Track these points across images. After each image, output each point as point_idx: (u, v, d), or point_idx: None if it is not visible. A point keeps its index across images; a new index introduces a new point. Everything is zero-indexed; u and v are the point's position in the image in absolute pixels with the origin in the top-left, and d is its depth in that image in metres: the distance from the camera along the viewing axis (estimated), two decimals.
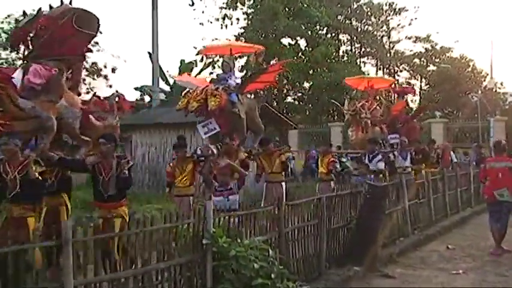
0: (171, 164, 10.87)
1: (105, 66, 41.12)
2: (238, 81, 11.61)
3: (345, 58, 41.69)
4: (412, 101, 48.21)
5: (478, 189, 17.11)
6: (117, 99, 10.46)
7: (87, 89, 41.40)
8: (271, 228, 7.34)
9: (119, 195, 7.12)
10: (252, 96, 13.30)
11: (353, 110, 15.61)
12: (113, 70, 41.52)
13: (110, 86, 43.41)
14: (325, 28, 39.67)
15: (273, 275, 6.07)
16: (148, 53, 28.10)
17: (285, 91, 40.97)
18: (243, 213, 6.79)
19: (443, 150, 19.52)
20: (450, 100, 40.10)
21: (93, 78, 41.23)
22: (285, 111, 36.05)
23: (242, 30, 39.48)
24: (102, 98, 10.47)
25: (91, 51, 8.63)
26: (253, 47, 13.07)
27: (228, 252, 5.94)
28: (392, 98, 19.20)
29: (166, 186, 10.97)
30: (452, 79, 40.39)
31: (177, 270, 5.78)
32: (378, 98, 16.94)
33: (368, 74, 34.87)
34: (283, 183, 11.51)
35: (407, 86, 25.99)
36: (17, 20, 37.50)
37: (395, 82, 19.98)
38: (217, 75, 11.64)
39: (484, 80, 43.15)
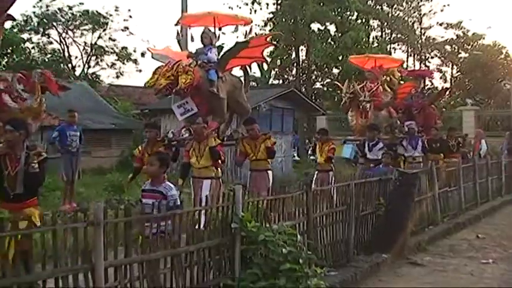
0: (139, 148, 9.65)
1: (134, 51, 41.58)
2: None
3: (375, 44, 41.19)
4: (442, 87, 47.73)
5: (509, 178, 17.02)
6: (40, 76, 9.51)
7: (117, 73, 42.03)
8: (300, 213, 7.32)
9: (27, 193, 5.86)
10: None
11: (351, 93, 13.82)
12: (143, 54, 41.88)
13: (140, 71, 43.87)
14: (356, 13, 39.20)
15: (301, 260, 6.06)
16: (177, 37, 28.16)
17: (313, 77, 40.72)
18: (271, 198, 6.76)
19: (475, 138, 19.33)
20: (482, 88, 39.44)
21: (123, 63, 41.67)
22: (313, 97, 35.89)
23: (271, 15, 39.27)
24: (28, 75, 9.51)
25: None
26: (241, 18, 11.20)
27: (257, 236, 5.95)
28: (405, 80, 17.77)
29: (132, 172, 9.70)
30: (484, 66, 39.71)
31: (206, 253, 5.80)
32: (388, 78, 15.31)
33: None
34: (269, 172, 10.18)
35: (426, 69, 23.25)
36: (47, 5, 38.17)
37: (404, 62, 17.99)
38: (196, 49, 10.23)
39: None
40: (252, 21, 11.14)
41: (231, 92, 10.11)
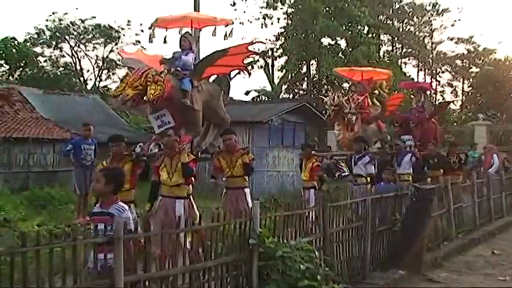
0: (104, 163, 8.17)
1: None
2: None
3: (386, 59, 41.20)
4: (454, 102, 47.61)
5: None
6: None
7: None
8: (316, 229, 7.28)
9: None
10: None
11: (336, 105, 12.85)
12: None
13: None
14: (366, 28, 39.28)
15: (318, 277, 6.02)
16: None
17: (323, 91, 40.75)
18: (288, 214, 6.72)
19: (486, 153, 19.18)
20: (493, 102, 39.24)
21: None
22: (324, 112, 35.81)
23: (282, 30, 39.43)
24: None
25: None
26: (221, 19, 10.27)
27: (275, 252, 5.91)
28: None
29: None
30: (496, 81, 39.55)
31: (224, 269, 5.77)
32: (376, 92, 14.53)
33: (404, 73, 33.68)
34: (246, 190, 9.18)
35: (423, 81, 21.17)
36: (60, 19, 38.42)
37: (392, 75, 16.60)
38: (173, 52, 9.50)
39: None
40: (233, 22, 10.37)
41: (208, 101, 9.39)
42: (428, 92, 19.43)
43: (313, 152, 12.71)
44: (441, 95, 48.61)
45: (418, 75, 46.26)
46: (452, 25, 50.72)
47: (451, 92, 48.40)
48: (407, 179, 12.68)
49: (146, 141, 9.29)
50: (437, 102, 28.63)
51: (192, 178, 8.06)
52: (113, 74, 41.13)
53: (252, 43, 11.18)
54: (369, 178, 11.50)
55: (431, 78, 47.86)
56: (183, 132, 8.73)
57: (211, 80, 9.93)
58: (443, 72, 48.75)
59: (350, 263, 7.97)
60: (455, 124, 38.90)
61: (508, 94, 39.67)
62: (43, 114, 22.49)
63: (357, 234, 8.15)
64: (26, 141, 19.25)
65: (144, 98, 8.36)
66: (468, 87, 47.55)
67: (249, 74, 10.45)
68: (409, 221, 8.93)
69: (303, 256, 6.13)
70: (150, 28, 10.20)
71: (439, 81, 48.36)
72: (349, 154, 12.16)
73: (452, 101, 30.33)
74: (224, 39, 10.00)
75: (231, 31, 10.06)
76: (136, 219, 5.50)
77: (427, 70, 49.09)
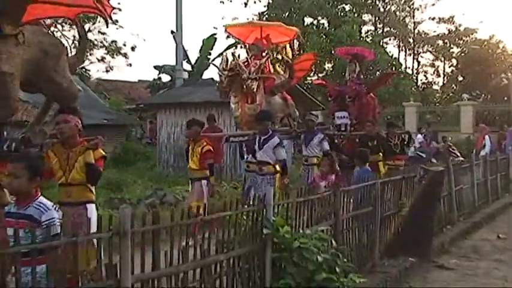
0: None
1: (124, 45, 40.84)
2: None
3: (368, 39, 40.72)
4: (435, 83, 47.41)
5: None
6: None
7: (106, 67, 41.23)
8: (328, 216, 6.78)
9: None
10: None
11: (230, 69, 9.91)
12: (133, 48, 41.27)
13: (130, 65, 43.19)
14: (349, 7, 38.71)
15: (337, 269, 5.53)
16: (172, 32, 27.53)
17: None
18: (300, 200, 6.19)
19: (478, 133, 18.85)
20: (479, 82, 38.97)
21: (113, 57, 40.89)
22: (305, 90, 35.31)
23: (265, 9, 38.74)
24: None
25: None
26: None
27: (291, 243, 5.40)
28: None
29: None
30: (482, 61, 39.28)
31: (236, 262, 5.24)
32: (279, 57, 11.37)
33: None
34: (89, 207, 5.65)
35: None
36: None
37: (299, 34, 12.03)
38: None
39: None
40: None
41: (37, 61, 5.97)
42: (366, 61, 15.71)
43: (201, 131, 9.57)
44: (424, 75, 48.37)
45: (399, 55, 45.86)
46: (433, 4, 50.46)
47: (433, 73, 48.10)
48: (315, 162, 10.62)
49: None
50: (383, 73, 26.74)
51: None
52: (91, 54, 40.06)
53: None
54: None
55: (412, 59, 47.56)
56: None
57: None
58: (425, 52, 48.37)
59: (359, 250, 7.50)
60: (437, 105, 38.71)
61: (494, 73, 39.47)
62: (21, 97, 21.70)
63: (366, 220, 7.68)
64: (4, 125, 18.55)
65: None
66: (449, 67, 47.32)
67: None
68: (418, 205, 8.49)
69: (319, 246, 5.63)
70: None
71: (419, 62, 48.01)
72: (251, 134, 9.57)
73: (395, 73, 26.16)
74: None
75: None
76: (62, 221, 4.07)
77: (408, 50, 48.69)
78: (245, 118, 10.06)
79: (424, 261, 8.19)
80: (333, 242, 5.90)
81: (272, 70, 11.09)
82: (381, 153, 11.95)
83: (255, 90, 9.92)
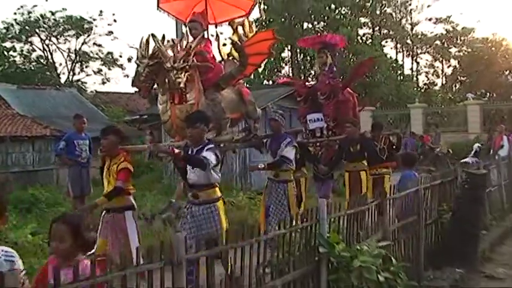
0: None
1: (120, 56, 40.24)
2: None
3: (369, 41, 40.33)
4: (435, 84, 46.99)
5: None
6: None
7: (103, 79, 40.58)
8: (376, 228, 6.19)
9: None
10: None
11: (151, 56, 7.28)
12: (129, 59, 40.55)
13: (127, 76, 42.37)
14: (347, 9, 38.34)
15: None
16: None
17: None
18: (352, 212, 5.60)
19: (497, 133, 18.32)
20: (483, 81, 38.47)
21: (109, 69, 40.27)
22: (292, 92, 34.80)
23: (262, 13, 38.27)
24: None
25: None
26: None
27: (349, 262, 4.81)
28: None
29: None
30: (486, 59, 38.78)
31: (292, 287, 4.63)
32: (235, 37, 8.41)
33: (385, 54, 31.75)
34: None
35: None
36: (29, 12, 36.59)
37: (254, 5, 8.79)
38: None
39: None
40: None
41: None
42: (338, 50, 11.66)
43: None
44: (426, 76, 47.99)
45: (397, 57, 45.43)
46: (429, 6, 50.08)
47: (433, 74, 47.70)
48: (288, 178, 8.32)
49: None
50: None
51: None
52: (86, 66, 39.53)
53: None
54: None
55: (411, 60, 47.17)
56: None
57: None
58: (424, 53, 47.96)
59: (405, 262, 6.91)
60: (442, 106, 38.21)
61: (499, 72, 39.00)
62: (19, 111, 21.34)
63: (410, 230, 7.10)
64: (3, 140, 18.15)
65: None
66: (448, 67, 46.92)
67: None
68: (461, 211, 7.91)
69: (377, 264, 5.04)
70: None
71: (418, 63, 47.64)
72: (182, 145, 6.66)
73: (372, 60, 21.98)
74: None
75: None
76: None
77: (406, 52, 48.27)
78: (176, 123, 7.34)
79: (472, 272, 7.60)
80: (393, 259, 5.28)
81: (226, 57, 8.76)
82: (365, 161, 9.73)
83: (181, 84, 7.12)
